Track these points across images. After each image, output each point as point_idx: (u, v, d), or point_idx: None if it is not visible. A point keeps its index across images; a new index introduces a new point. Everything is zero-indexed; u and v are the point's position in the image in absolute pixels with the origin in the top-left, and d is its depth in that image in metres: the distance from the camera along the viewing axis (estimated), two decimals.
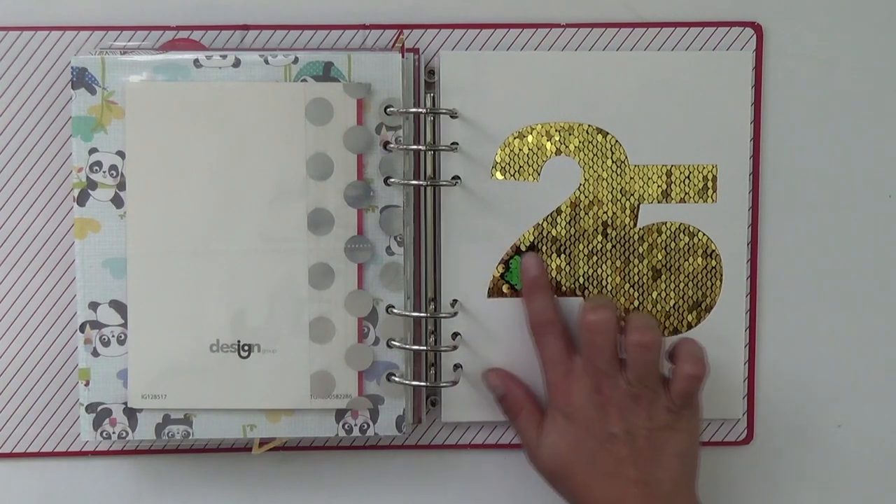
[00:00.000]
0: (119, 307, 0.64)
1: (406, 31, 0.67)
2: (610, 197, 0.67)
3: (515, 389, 0.66)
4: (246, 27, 0.67)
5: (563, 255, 0.67)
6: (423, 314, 0.66)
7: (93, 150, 0.64)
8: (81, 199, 0.64)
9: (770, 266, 0.69)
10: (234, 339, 0.65)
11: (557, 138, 0.67)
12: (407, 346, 0.65)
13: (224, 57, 0.64)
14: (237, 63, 0.64)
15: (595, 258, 0.67)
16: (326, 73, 0.64)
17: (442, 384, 0.66)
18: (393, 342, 0.65)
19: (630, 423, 0.62)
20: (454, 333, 0.67)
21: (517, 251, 0.67)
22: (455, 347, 0.66)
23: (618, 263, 0.67)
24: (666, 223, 0.67)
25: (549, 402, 0.65)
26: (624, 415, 0.62)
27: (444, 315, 0.66)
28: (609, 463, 0.62)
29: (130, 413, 0.65)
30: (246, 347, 0.65)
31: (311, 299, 0.64)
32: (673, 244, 0.67)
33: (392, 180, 0.64)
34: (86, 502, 0.69)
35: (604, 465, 0.62)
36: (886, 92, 0.69)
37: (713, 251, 0.67)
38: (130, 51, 0.65)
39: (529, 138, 0.66)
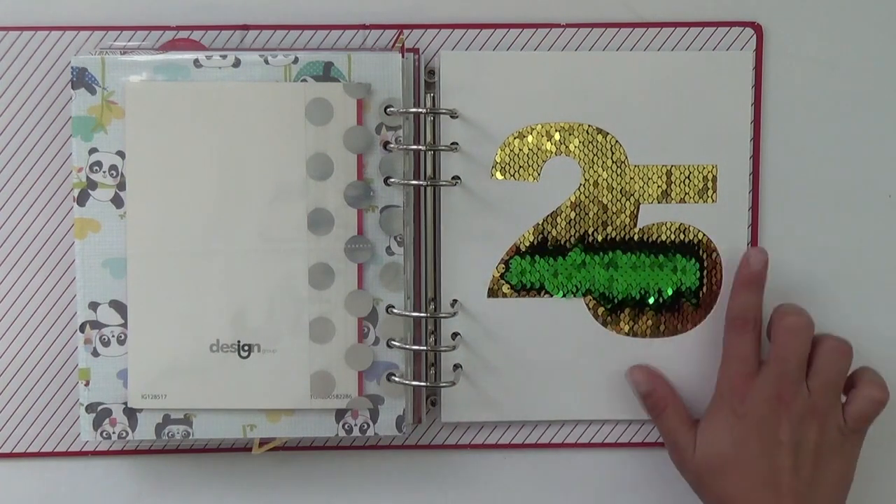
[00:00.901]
0: (119, 307, 0.64)
1: (406, 31, 0.67)
2: (610, 197, 0.67)
3: (661, 386, 0.66)
4: (246, 27, 0.67)
5: (562, 256, 0.67)
6: (423, 314, 0.66)
7: (93, 150, 0.64)
8: (81, 199, 0.64)
9: (770, 266, 0.68)
10: (234, 339, 0.65)
11: (557, 138, 0.67)
12: (407, 346, 0.65)
13: (224, 57, 0.64)
14: (237, 63, 0.64)
15: (595, 258, 0.67)
16: (326, 73, 0.64)
17: (442, 384, 0.66)
18: (393, 342, 0.65)
19: (801, 434, 0.62)
20: (454, 333, 0.67)
21: (517, 251, 0.67)
22: (455, 347, 0.66)
23: (618, 263, 0.67)
24: (666, 223, 0.67)
25: (720, 398, 0.64)
26: (797, 425, 0.62)
27: (444, 315, 0.66)
28: (770, 469, 0.62)
29: (130, 413, 0.65)
30: (246, 347, 0.65)
31: (311, 299, 0.64)
32: (673, 244, 0.67)
33: (392, 180, 0.64)
34: (86, 502, 0.69)
35: (764, 472, 0.62)
36: (886, 92, 0.69)
37: (713, 251, 0.67)
38: (130, 51, 0.65)
39: (529, 138, 0.66)
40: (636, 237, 0.67)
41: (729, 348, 0.65)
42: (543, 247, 0.67)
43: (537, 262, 0.67)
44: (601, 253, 0.67)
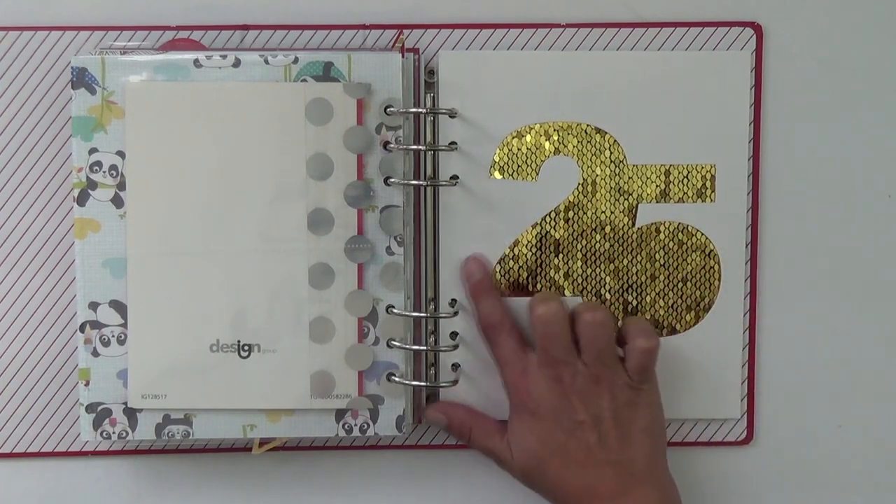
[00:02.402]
0: (119, 307, 0.64)
1: (406, 31, 0.67)
2: (608, 196, 0.67)
3: (456, 412, 0.66)
4: (246, 27, 0.67)
5: (560, 255, 0.67)
6: (422, 314, 0.66)
7: (93, 150, 0.64)
8: (81, 199, 0.64)
9: (769, 266, 0.68)
10: (234, 339, 0.65)
11: (556, 138, 0.67)
12: (407, 346, 0.65)
13: (224, 57, 0.64)
14: (237, 63, 0.64)
15: (593, 258, 0.67)
16: (326, 73, 0.64)
17: (442, 384, 0.66)
18: (393, 342, 0.65)
19: (594, 406, 0.62)
20: (454, 333, 0.67)
21: (516, 251, 0.67)
22: (455, 347, 0.66)
23: (616, 263, 0.67)
24: (664, 223, 0.67)
25: (512, 403, 0.65)
26: (587, 400, 0.62)
27: (443, 315, 0.66)
28: (580, 450, 0.62)
29: (130, 413, 0.65)
30: (246, 347, 0.65)
31: (311, 299, 0.64)
32: (671, 244, 0.67)
33: (392, 180, 0.64)
34: (86, 502, 0.69)
35: (575, 454, 0.62)
36: (886, 92, 0.69)
37: (711, 251, 0.67)
38: (130, 51, 0.65)
39: (528, 138, 0.66)
40: (634, 237, 0.67)
41: (495, 355, 0.65)
42: (542, 246, 0.67)
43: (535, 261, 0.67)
44: (599, 252, 0.67)
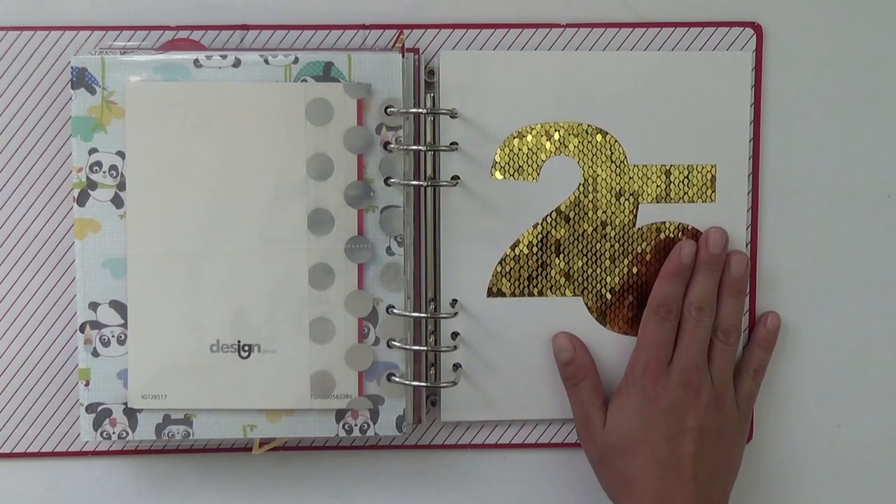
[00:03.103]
0: (119, 307, 0.64)
1: (406, 31, 0.67)
2: (609, 197, 0.67)
3: (584, 356, 0.66)
4: (246, 27, 0.67)
5: (562, 255, 0.67)
6: (423, 314, 0.66)
7: (93, 150, 0.64)
8: (81, 199, 0.64)
9: (769, 266, 0.68)
10: (234, 339, 0.65)
11: (557, 138, 0.67)
12: (407, 347, 0.65)
13: (224, 57, 0.64)
14: (237, 63, 0.64)
15: (594, 258, 0.67)
16: (326, 74, 0.64)
17: (442, 384, 0.66)
18: (393, 342, 0.65)
19: (706, 421, 0.63)
20: (454, 333, 0.67)
21: (515, 252, 0.67)
22: (455, 347, 0.67)
23: (617, 263, 0.67)
24: (665, 223, 0.67)
25: (631, 380, 0.65)
26: (703, 412, 0.63)
27: (443, 315, 0.66)
28: (674, 454, 0.63)
29: (130, 413, 0.65)
30: (246, 347, 0.65)
31: (311, 299, 0.64)
32: (672, 244, 0.67)
33: (392, 180, 0.64)
34: (86, 502, 0.69)
35: (668, 455, 0.63)
36: (886, 92, 0.69)
37: None
38: (130, 51, 0.65)
39: (529, 138, 0.66)
40: (636, 237, 0.67)
41: (647, 334, 0.65)
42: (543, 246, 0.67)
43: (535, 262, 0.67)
44: (600, 252, 0.67)
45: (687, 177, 0.67)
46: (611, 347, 0.67)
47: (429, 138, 0.66)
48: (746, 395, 0.66)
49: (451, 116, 0.65)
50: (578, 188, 0.67)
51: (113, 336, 0.65)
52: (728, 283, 0.66)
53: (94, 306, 0.64)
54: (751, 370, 0.67)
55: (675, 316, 0.65)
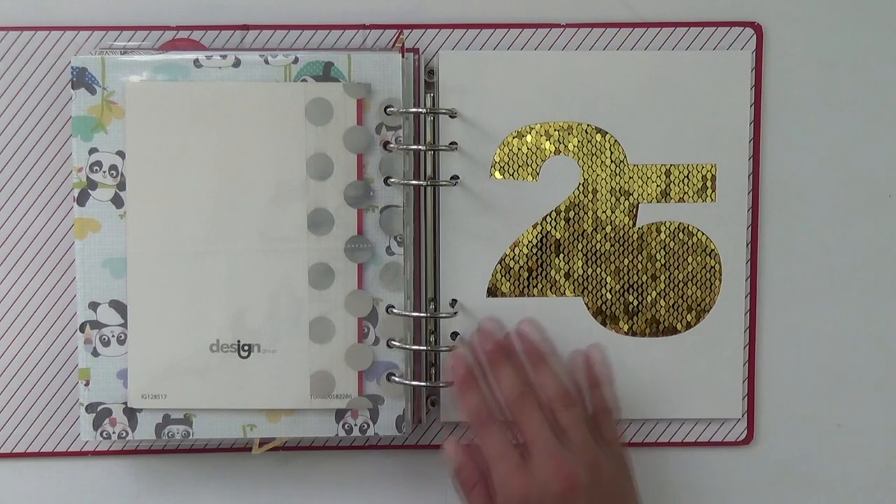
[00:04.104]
0: (119, 307, 0.64)
1: (406, 31, 0.67)
2: (609, 196, 0.67)
3: (470, 463, 0.62)
4: (246, 27, 0.67)
5: (561, 255, 0.67)
6: (422, 314, 0.66)
7: (93, 150, 0.64)
8: (81, 199, 0.64)
9: (770, 266, 0.69)
10: (234, 339, 0.65)
11: (556, 138, 0.67)
12: (407, 346, 0.65)
13: (224, 57, 0.64)
14: (237, 63, 0.64)
15: (594, 258, 0.67)
16: (326, 73, 0.64)
17: (442, 384, 0.66)
18: (393, 342, 0.65)
19: (596, 495, 0.59)
20: (454, 333, 0.67)
21: (515, 253, 0.67)
22: (455, 347, 0.66)
23: (617, 263, 0.67)
24: (665, 223, 0.67)
25: (503, 499, 0.60)
26: (590, 489, 0.58)
27: (443, 315, 0.66)
28: None
29: (130, 413, 0.65)
30: (246, 347, 0.65)
31: (311, 299, 0.64)
32: (672, 244, 0.67)
33: (392, 180, 0.64)
34: (86, 502, 0.69)
35: None
36: (886, 92, 0.69)
37: (712, 251, 0.67)
38: (130, 51, 0.65)
39: (528, 138, 0.66)
40: (635, 237, 0.67)
41: (487, 452, 0.60)
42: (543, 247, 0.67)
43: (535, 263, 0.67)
44: (600, 252, 0.67)
45: (687, 177, 0.67)
46: (611, 348, 0.67)
47: (428, 138, 0.66)
48: (613, 438, 0.62)
49: (451, 116, 0.65)
50: (578, 188, 0.67)
51: (113, 336, 0.65)
52: (530, 357, 0.62)
53: (94, 306, 0.64)
54: (605, 412, 0.62)
55: (494, 419, 0.61)
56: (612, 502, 0.60)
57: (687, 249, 0.67)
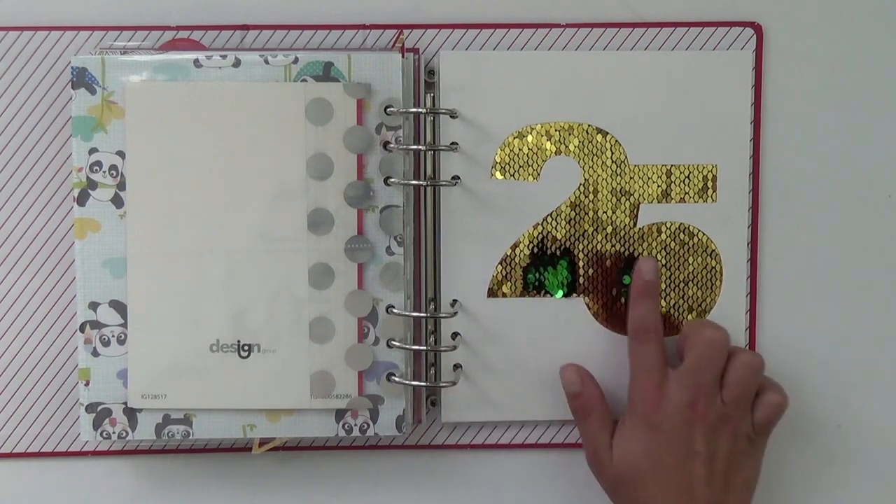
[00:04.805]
0: (119, 307, 0.64)
1: (406, 31, 0.67)
2: (610, 197, 0.67)
3: (592, 389, 0.66)
4: (246, 27, 0.67)
5: (562, 256, 0.67)
6: (423, 314, 0.66)
7: (93, 150, 0.64)
8: (81, 199, 0.64)
9: (770, 266, 0.69)
10: (234, 339, 0.65)
11: (557, 138, 0.67)
12: (407, 346, 0.65)
13: (224, 57, 0.64)
14: (237, 63, 0.64)
15: (595, 258, 0.67)
16: (326, 73, 0.64)
17: (442, 384, 0.66)
18: (393, 342, 0.65)
19: (714, 443, 0.62)
20: (454, 333, 0.67)
21: (515, 256, 0.67)
22: (455, 347, 0.66)
23: (618, 264, 0.67)
24: (666, 223, 0.67)
25: (632, 409, 0.64)
26: (711, 435, 0.62)
27: (444, 315, 0.66)
28: (684, 480, 0.62)
29: (130, 413, 0.65)
30: (246, 347, 0.65)
31: (311, 299, 0.64)
32: (673, 244, 0.67)
33: (392, 180, 0.64)
34: (86, 502, 0.69)
35: (678, 481, 0.62)
36: (886, 92, 0.69)
37: (713, 251, 0.67)
38: (130, 51, 0.65)
39: (529, 138, 0.66)
40: (636, 237, 0.67)
41: (635, 359, 0.64)
42: (541, 254, 0.67)
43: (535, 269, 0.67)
44: (601, 252, 0.67)
45: (688, 177, 0.67)
46: (611, 348, 0.67)
47: (429, 138, 0.66)
48: (763, 427, 0.64)
49: (451, 116, 0.65)
50: (579, 188, 0.67)
51: (113, 336, 0.65)
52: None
53: (94, 306, 0.64)
54: (770, 407, 0.64)
55: (656, 335, 0.64)
56: (731, 461, 0.62)
57: (688, 250, 0.67)
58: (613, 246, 0.67)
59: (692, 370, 0.63)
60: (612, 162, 0.67)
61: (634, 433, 0.63)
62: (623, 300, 0.67)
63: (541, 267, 0.67)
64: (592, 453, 0.65)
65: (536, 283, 0.67)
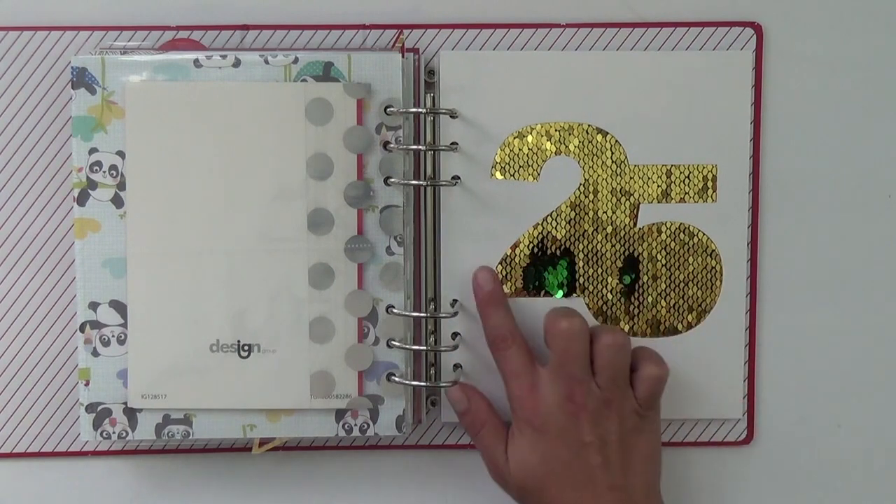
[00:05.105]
0: (119, 307, 0.64)
1: (406, 31, 0.67)
2: (610, 197, 0.67)
3: (478, 403, 0.65)
4: (246, 27, 0.67)
5: (562, 256, 0.67)
6: (423, 314, 0.66)
7: (93, 150, 0.64)
8: (81, 199, 0.64)
9: (770, 266, 0.69)
10: (234, 339, 0.65)
11: (557, 138, 0.67)
12: (407, 346, 0.65)
13: (224, 57, 0.64)
14: (237, 63, 0.64)
15: (595, 258, 0.67)
16: (326, 73, 0.64)
17: (442, 384, 0.66)
18: (393, 342, 0.65)
19: (602, 429, 0.62)
20: (454, 333, 0.67)
21: (514, 257, 0.67)
22: (455, 347, 0.66)
23: (618, 263, 0.67)
24: (666, 223, 0.67)
25: (516, 417, 0.63)
26: (597, 421, 0.62)
27: (444, 315, 0.66)
28: (583, 472, 0.61)
29: (130, 413, 0.65)
30: (246, 347, 0.65)
31: (311, 299, 0.64)
32: (673, 244, 0.67)
33: (392, 180, 0.64)
34: (86, 502, 0.69)
35: (577, 475, 0.62)
36: (886, 92, 0.69)
37: (713, 251, 0.67)
38: (130, 51, 0.65)
39: (529, 138, 0.66)
40: (636, 237, 0.67)
41: (503, 368, 0.64)
42: (540, 254, 0.67)
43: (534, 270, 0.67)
44: (601, 253, 0.67)
45: (688, 177, 0.67)
46: None
47: (429, 138, 0.66)
48: (644, 391, 0.63)
49: (452, 116, 0.65)
50: (579, 188, 0.67)
51: (113, 336, 0.65)
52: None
53: (94, 306, 0.64)
54: (650, 380, 0.63)
55: (514, 340, 0.63)
56: (625, 442, 0.62)
57: (688, 250, 0.67)
58: (613, 246, 0.67)
59: (558, 364, 0.62)
60: (612, 162, 0.67)
61: (524, 439, 0.63)
62: (623, 299, 0.67)
63: (541, 267, 0.67)
64: (493, 467, 0.65)
65: (536, 283, 0.67)
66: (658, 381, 0.63)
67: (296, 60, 0.64)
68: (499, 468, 0.64)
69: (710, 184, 0.67)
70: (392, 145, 0.64)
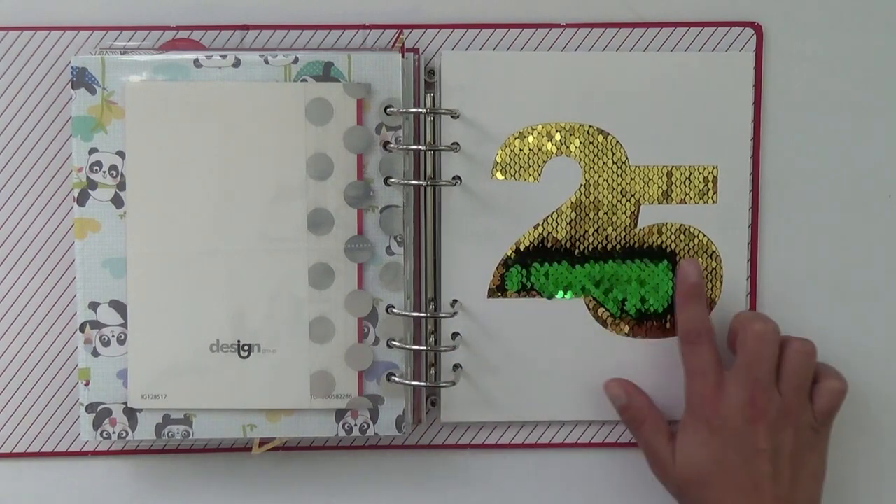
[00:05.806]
0: (119, 307, 0.64)
1: (406, 31, 0.67)
2: (610, 198, 0.67)
3: (638, 399, 0.66)
4: (246, 27, 0.67)
5: (562, 256, 0.67)
6: (423, 314, 0.66)
7: (93, 150, 0.64)
8: (81, 199, 0.64)
9: (770, 266, 0.69)
10: (234, 339, 0.65)
11: (558, 139, 0.67)
12: (407, 346, 0.65)
13: (224, 57, 0.64)
14: (237, 63, 0.64)
15: (595, 259, 0.67)
16: (326, 73, 0.64)
17: (442, 384, 0.66)
18: (393, 342, 0.65)
19: (778, 439, 0.62)
20: (454, 333, 0.67)
21: (514, 257, 0.67)
22: (455, 347, 0.66)
23: (618, 264, 0.67)
24: (666, 224, 0.67)
25: (693, 413, 0.64)
26: (774, 431, 0.62)
27: (444, 315, 0.66)
28: (750, 479, 0.62)
29: (130, 413, 0.65)
30: (246, 347, 0.65)
31: (311, 299, 0.64)
32: (673, 245, 0.67)
33: (392, 180, 0.64)
34: (86, 502, 0.69)
35: (744, 481, 0.62)
36: (886, 92, 0.69)
37: (713, 252, 0.67)
38: (130, 51, 0.65)
39: (530, 139, 0.66)
40: (636, 238, 0.67)
41: (689, 363, 0.64)
42: (542, 252, 0.67)
43: (534, 269, 0.67)
44: (602, 253, 0.67)
45: (688, 178, 0.67)
46: (611, 349, 0.67)
47: (429, 138, 0.66)
48: (823, 405, 0.63)
49: (452, 116, 0.65)
50: (580, 189, 0.67)
51: (113, 336, 0.65)
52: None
53: (94, 306, 0.64)
54: (830, 393, 0.64)
55: (707, 337, 0.64)
56: (796, 455, 0.62)
57: (688, 251, 0.67)
58: (614, 247, 0.67)
59: (746, 366, 0.62)
60: (613, 163, 0.67)
61: (697, 436, 0.63)
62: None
63: (541, 267, 0.67)
64: (654, 460, 0.65)
65: (537, 284, 0.67)
66: (839, 394, 0.63)
67: (296, 60, 0.64)
68: (661, 462, 0.65)
69: (710, 185, 0.67)
70: (392, 145, 0.64)
